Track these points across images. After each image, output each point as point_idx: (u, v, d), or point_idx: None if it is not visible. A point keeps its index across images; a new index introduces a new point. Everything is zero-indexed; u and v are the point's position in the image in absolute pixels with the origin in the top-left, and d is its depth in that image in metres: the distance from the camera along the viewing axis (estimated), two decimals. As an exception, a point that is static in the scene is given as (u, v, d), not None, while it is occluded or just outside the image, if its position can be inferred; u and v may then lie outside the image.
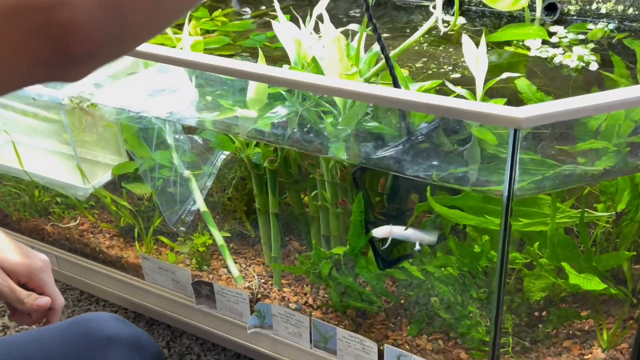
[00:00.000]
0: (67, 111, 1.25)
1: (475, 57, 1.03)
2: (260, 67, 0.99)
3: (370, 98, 0.88)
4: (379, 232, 1.03)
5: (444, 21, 1.50)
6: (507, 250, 0.91)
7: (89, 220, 1.47)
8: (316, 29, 1.15)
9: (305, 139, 1.05)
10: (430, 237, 1.05)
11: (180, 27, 1.60)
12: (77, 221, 1.46)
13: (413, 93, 0.85)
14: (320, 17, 1.17)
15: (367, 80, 1.10)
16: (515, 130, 0.81)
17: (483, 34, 1.09)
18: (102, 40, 0.32)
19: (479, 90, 1.02)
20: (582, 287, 1.03)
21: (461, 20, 1.50)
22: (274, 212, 1.18)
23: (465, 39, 1.06)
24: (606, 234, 1.08)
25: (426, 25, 1.11)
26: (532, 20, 1.45)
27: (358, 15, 1.61)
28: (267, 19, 1.61)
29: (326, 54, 1.07)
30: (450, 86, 1.05)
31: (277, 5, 1.19)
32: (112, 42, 0.33)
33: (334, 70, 1.08)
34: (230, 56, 1.42)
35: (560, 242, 1.02)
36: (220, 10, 1.65)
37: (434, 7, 1.09)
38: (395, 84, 0.97)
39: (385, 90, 0.87)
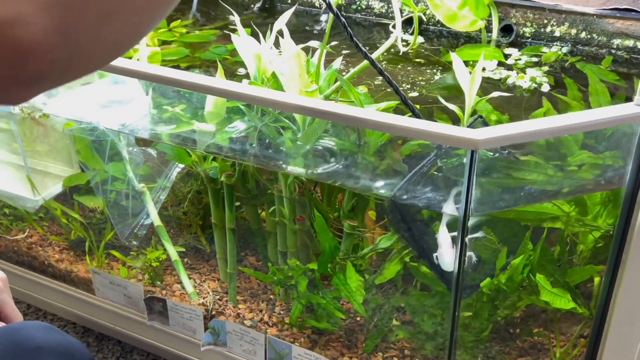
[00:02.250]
0: (18, 120, 1.22)
1: (470, 77, 1.05)
2: (217, 81, 0.98)
3: (329, 116, 0.88)
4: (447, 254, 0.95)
5: (402, 40, 1.51)
6: (462, 269, 0.91)
7: (38, 233, 1.42)
8: (277, 44, 1.14)
9: (263, 155, 1.04)
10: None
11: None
12: (26, 233, 1.42)
13: (373, 112, 0.85)
14: (280, 32, 1.17)
15: (327, 97, 1.10)
16: (472, 152, 0.81)
17: (439, 54, 1.11)
18: (54, 62, 0.31)
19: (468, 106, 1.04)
20: (552, 304, 1.05)
21: (420, 39, 1.52)
22: (230, 227, 1.16)
23: (455, 58, 1.08)
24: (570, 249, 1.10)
25: (386, 44, 1.12)
26: (489, 42, 1.48)
27: (317, 31, 1.61)
28: (227, 32, 1.60)
29: (286, 70, 1.07)
30: (443, 101, 1.07)
31: (236, 18, 1.18)
32: (63, 66, 0.32)
33: (294, 86, 1.07)
34: (187, 68, 1.41)
35: (542, 256, 1.04)
36: (179, 21, 1.63)
37: (394, 27, 1.10)
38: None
39: (344, 109, 0.87)
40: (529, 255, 1.06)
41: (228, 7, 1.54)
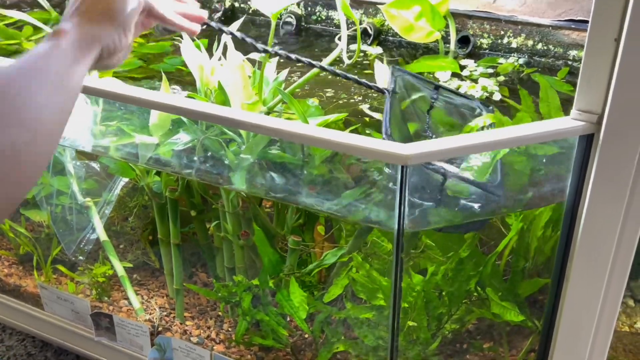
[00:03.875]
0: None
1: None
2: (155, 94, 0.96)
3: (261, 129, 0.86)
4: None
5: (362, 51, 1.50)
6: (399, 284, 0.89)
7: (-14, 247, 1.39)
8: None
9: (205, 169, 1.02)
10: None
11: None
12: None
13: (303, 127, 0.83)
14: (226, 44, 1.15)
15: (271, 109, 1.08)
16: (403, 167, 0.80)
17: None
18: None
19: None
20: (502, 317, 1.04)
21: (378, 50, 1.51)
22: (175, 242, 1.14)
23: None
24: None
25: (330, 56, 1.10)
26: (447, 53, 1.47)
27: (277, 42, 1.59)
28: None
29: (230, 81, 1.05)
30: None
31: (185, 36, 1.16)
32: None
33: (238, 98, 1.06)
34: (137, 79, 1.39)
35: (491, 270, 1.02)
36: (137, 31, 1.61)
37: (339, 39, 1.09)
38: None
39: (280, 124, 0.86)
40: (475, 265, 1.05)
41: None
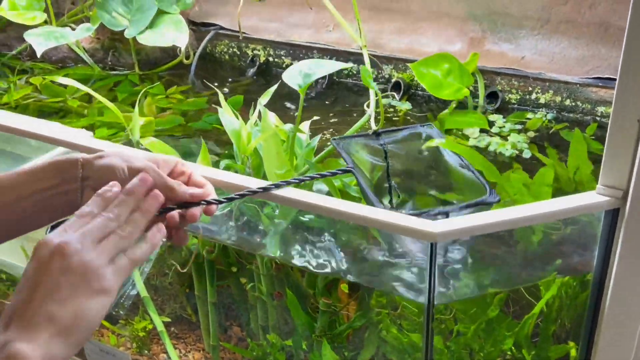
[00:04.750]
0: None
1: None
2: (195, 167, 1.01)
3: (292, 202, 0.90)
4: None
5: (391, 105, 1.54)
6: (430, 354, 0.92)
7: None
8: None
9: (239, 236, 1.06)
10: None
11: (135, 106, 1.62)
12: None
13: (329, 200, 0.87)
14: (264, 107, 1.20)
15: (303, 174, 1.12)
16: (432, 244, 0.83)
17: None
18: None
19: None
20: None
21: (408, 105, 1.54)
22: (211, 301, 1.18)
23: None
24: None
25: (359, 123, 1.14)
26: (475, 108, 1.50)
27: (311, 96, 1.64)
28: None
29: (264, 150, 1.10)
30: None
31: (221, 97, 1.22)
32: None
33: (272, 166, 1.10)
34: (176, 137, 1.45)
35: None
36: (175, 87, 1.68)
37: (368, 106, 1.13)
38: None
39: (311, 198, 0.89)
40: (508, 327, 1.06)
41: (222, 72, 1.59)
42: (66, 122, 1.52)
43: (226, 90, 1.71)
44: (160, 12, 1.61)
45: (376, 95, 1.23)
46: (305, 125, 1.27)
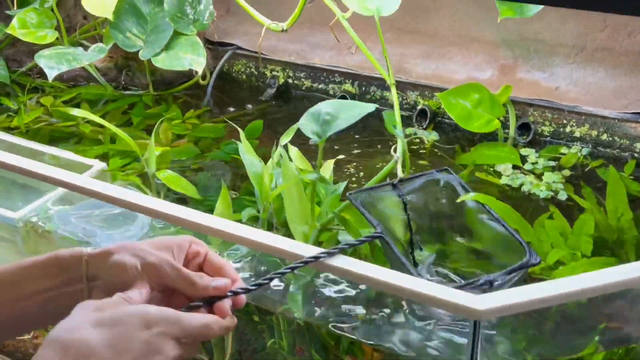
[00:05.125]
0: (22, 234, 1.21)
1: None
2: (214, 220, 0.94)
3: (317, 265, 0.83)
4: None
5: (416, 136, 1.47)
6: None
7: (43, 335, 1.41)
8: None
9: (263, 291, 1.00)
10: None
11: (150, 130, 1.57)
12: (32, 334, 1.40)
13: (355, 263, 0.80)
14: (285, 147, 1.14)
15: (325, 225, 1.05)
16: (475, 322, 0.77)
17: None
18: None
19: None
20: None
21: (434, 135, 1.47)
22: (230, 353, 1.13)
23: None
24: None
25: (384, 170, 1.07)
26: (506, 139, 1.43)
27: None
28: (242, 122, 1.58)
29: (286, 199, 1.04)
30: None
31: (242, 136, 1.15)
32: None
33: (295, 215, 1.04)
34: (197, 170, 1.38)
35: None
36: (192, 110, 1.62)
37: (395, 151, 1.06)
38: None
39: (343, 262, 0.83)
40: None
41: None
42: (79, 149, 1.47)
43: (246, 109, 1.65)
44: (177, 34, 1.55)
45: (410, 108, 1.16)
46: (328, 168, 1.20)
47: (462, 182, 1.04)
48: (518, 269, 0.87)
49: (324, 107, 1.03)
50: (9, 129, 1.58)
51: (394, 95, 1.08)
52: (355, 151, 1.41)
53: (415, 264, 1.01)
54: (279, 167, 1.12)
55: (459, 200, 0.99)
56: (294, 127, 1.19)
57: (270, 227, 1.11)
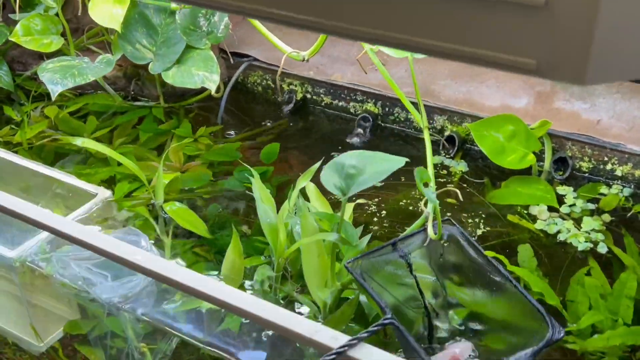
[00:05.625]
0: (19, 273, 1.13)
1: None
2: (212, 285, 0.86)
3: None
4: None
5: (443, 165, 1.37)
6: None
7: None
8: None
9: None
10: None
11: (160, 149, 1.47)
12: None
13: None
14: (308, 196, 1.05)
15: (347, 284, 0.97)
16: None
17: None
18: None
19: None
20: None
21: (462, 165, 1.37)
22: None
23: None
24: None
25: (414, 225, 0.97)
26: (540, 174, 1.32)
27: (350, 144, 1.47)
28: (258, 141, 1.49)
29: (304, 257, 0.95)
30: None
31: (256, 182, 1.06)
32: None
33: (313, 276, 0.95)
34: (208, 201, 1.29)
35: None
36: (204, 127, 1.52)
37: (425, 205, 0.96)
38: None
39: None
40: None
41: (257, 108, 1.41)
42: (84, 172, 1.38)
43: (262, 127, 1.55)
44: (189, 47, 1.45)
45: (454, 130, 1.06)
46: (348, 212, 1.11)
47: (466, 234, 0.94)
48: (542, 349, 0.78)
49: (349, 159, 0.93)
50: (11, 145, 1.49)
51: (427, 145, 0.96)
52: (379, 184, 1.31)
53: (431, 337, 0.92)
54: (295, 214, 1.03)
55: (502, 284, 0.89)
56: (313, 169, 1.09)
57: (284, 281, 1.02)
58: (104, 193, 1.27)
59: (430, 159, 0.96)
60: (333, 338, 0.76)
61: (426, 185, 0.91)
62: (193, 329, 0.94)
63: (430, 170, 0.94)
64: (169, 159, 1.44)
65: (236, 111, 1.63)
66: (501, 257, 1.06)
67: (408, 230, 0.96)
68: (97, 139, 1.52)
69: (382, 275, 0.91)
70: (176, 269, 0.81)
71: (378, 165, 0.93)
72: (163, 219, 1.24)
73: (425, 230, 0.94)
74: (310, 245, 0.95)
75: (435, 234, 0.92)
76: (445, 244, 0.96)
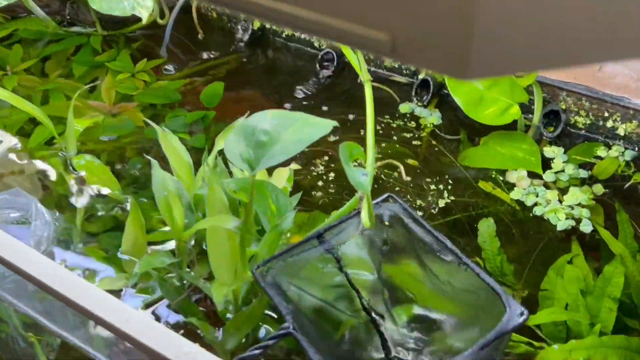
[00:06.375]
0: None
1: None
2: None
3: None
4: None
5: (413, 116, 1.16)
6: None
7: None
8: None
9: None
10: None
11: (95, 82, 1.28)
12: None
13: None
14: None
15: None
16: None
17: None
18: None
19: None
20: None
21: (436, 115, 1.16)
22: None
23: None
24: None
25: (343, 208, 0.78)
26: (527, 130, 1.11)
27: (313, 86, 1.26)
28: (206, 78, 1.28)
29: (209, 240, 0.77)
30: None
31: (164, 134, 0.86)
32: None
33: (220, 264, 0.77)
34: (126, 160, 1.10)
35: None
36: (145, 60, 1.31)
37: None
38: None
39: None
40: None
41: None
42: (3, 114, 1.19)
43: (211, 60, 1.34)
44: (121, -35, 1.22)
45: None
46: (282, 177, 0.92)
47: (411, 211, 0.74)
48: (494, 339, 0.60)
49: (261, 121, 0.73)
50: None
51: (368, 103, 0.73)
52: (332, 138, 1.11)
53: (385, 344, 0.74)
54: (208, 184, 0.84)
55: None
56: (237, 122, 0.89)
57: (190, 267, 0.85)
58: (9, 140, 1.09)
59: (371, 123, 0.75)
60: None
61: (359, 164, 0.71)
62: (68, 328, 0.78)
63: (371, 139, 0.73)
64: (100, 97, 1.25)
65: (186, 41, 1.41)
66: (461, 238, 0.87)
67: (336, 214, 0.77)
68: (29, 71, 1.34)
69: (305, 276, 0.73)
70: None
71: (297, 132, 0.73)
72: (79, 176, 1.06)
73: (358, 214, 0.74)
74: (216, 227, 0.77)
75: (369, 222, 0.72)
76: (390, 228, 0.77)
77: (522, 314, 0.62)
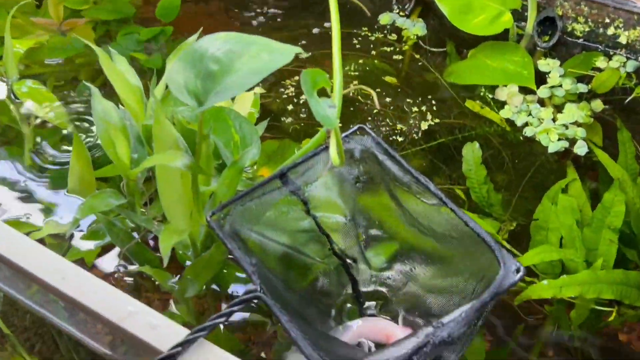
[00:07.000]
0: None
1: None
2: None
3: None
4: None
5: (396, 28, 1.05)
6: None
7: None
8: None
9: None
10: None
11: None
12: None
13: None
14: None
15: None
16: None
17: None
18: None
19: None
20: None
21: (419, 25, 1.04)
22: None
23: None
24: None
25: (310, 142, 0.68)
26: (519, 39, 1.00)
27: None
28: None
29: (160, 179, 0.68)
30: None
31: (104, 54, 0.75)
32: None
33: (178, 207, 0.69)
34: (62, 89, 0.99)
35: None
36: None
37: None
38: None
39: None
40: None
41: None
42: None
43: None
44: None
45: None
46: (247, 101, 0.82)
47: (385, 145, 0.64)
48: (489, 300, 0.53)
49: (212, 46, 0.62)
50: None
51: (333, 19, 0.62)
52: (303, 55, 1.00)
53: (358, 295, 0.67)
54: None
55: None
56: (192, 39, 0.79)
57: (145, 207, 0.76)
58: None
59: (337, 42, 0.64)
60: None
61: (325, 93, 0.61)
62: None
63: (337, 61, 0.63)
64: (48, 14, 1.13)
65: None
66: (445, 166, 0.79)
67: (299, 152, 0.67)
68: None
69: (268, 222, 0.64)
70: None
71: (254, 60, 0.61)
72: (15, 104, 0.96)
73: (326, 149, 0.65)
74: (165, 165, 0.68)
75: (339, 160, 0.62)
76: (362, 164, 0.68)
77: (517, 270, 0.54)
